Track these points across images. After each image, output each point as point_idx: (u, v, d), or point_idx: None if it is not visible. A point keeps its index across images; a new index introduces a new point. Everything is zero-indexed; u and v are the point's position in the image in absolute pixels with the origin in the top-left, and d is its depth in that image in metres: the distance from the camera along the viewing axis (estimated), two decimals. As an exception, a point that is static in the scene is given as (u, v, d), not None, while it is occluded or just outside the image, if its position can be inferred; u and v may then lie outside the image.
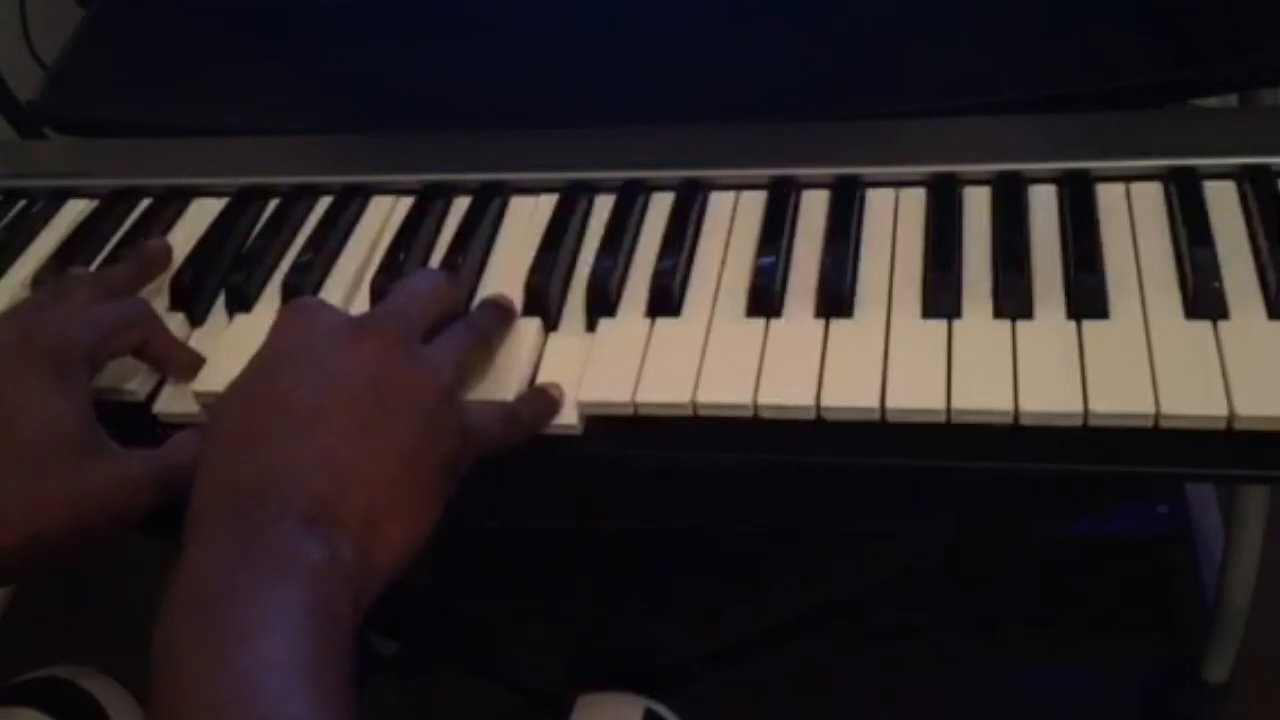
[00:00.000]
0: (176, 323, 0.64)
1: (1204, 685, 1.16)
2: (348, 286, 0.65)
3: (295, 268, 0.66)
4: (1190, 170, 0.61)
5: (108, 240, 0.71)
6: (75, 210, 0.74)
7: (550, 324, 0.61)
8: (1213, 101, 0.79)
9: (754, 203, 0.65)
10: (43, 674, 0.73)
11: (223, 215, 0.71)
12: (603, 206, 0.66)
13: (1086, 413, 0.51)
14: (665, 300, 0.60)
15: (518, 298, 0.62)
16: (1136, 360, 0.53)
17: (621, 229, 0.64)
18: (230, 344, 0.62)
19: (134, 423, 0.60)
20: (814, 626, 1.14)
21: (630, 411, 0.56)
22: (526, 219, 0.67)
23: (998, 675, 1.22)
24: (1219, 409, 0.50)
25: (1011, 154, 0.64)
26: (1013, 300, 0.56)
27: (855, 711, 1.20)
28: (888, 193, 0.64)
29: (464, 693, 1.26)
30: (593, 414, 0.57)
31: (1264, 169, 0.60)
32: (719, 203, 0.66)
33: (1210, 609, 1.15)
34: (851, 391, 0.54)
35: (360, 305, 0.64)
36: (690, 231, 0.64)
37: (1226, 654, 1.14)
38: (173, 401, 0.61)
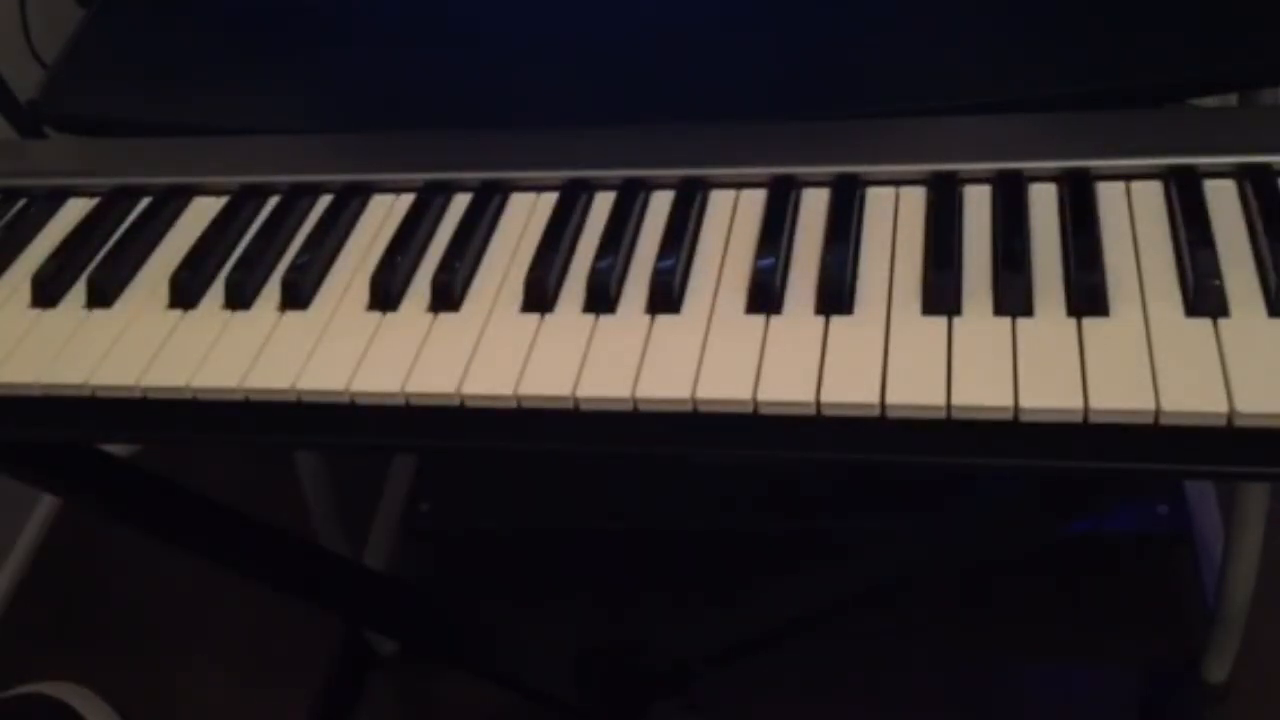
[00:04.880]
0: (173, 319, 0.64)
1: (1204, 685, 1.16)
2: (347, 284, 0.65)
3: (295, 266, 0.66)
4: (1190, 169, 0.61)
5: (108, 240, 0.71)
6: (75, 210, 0.74)
7: (550, 321, 0.61)
8: (1212, 101, 0.79)
9: (754, 201, 0.65)
10: (25, 690, 0.73)
11: (222, 214, 0.71)
12: (603, 204, 0.66)
13: (1086, 410, 0.51)
14: (665, 297, 0.60)
15: (518, 295, 0.62)
16: (1137, 357, 0.53)
17: (622, 227, 0.64)
18: (228, 342, 0.62)
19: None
20: (814, 626, 1.14)
21: (630, 408, 0.56)
22: (526, 217, 0.67)
23: (997, 675, 1.22)
24: (1219, 406, 0.50)
25: (1011, 152, 0.64)
26: (1013, 297, 0.56)
27: (855, 711, 1.20)
28: (888, 191, 0.64)
29: (464, 693, 1.26)
30: (592, 410, 0.57)
31: (1264, 168, 0.60)
32: (719, 201, 0.66)
33: (1210, 609, 1.15)
34: (851, 388, 0.54)
35: (360, 303, 0.64)
36: (690, 229, 0.64)
37: (1226, 654, 1.15)
38: None
